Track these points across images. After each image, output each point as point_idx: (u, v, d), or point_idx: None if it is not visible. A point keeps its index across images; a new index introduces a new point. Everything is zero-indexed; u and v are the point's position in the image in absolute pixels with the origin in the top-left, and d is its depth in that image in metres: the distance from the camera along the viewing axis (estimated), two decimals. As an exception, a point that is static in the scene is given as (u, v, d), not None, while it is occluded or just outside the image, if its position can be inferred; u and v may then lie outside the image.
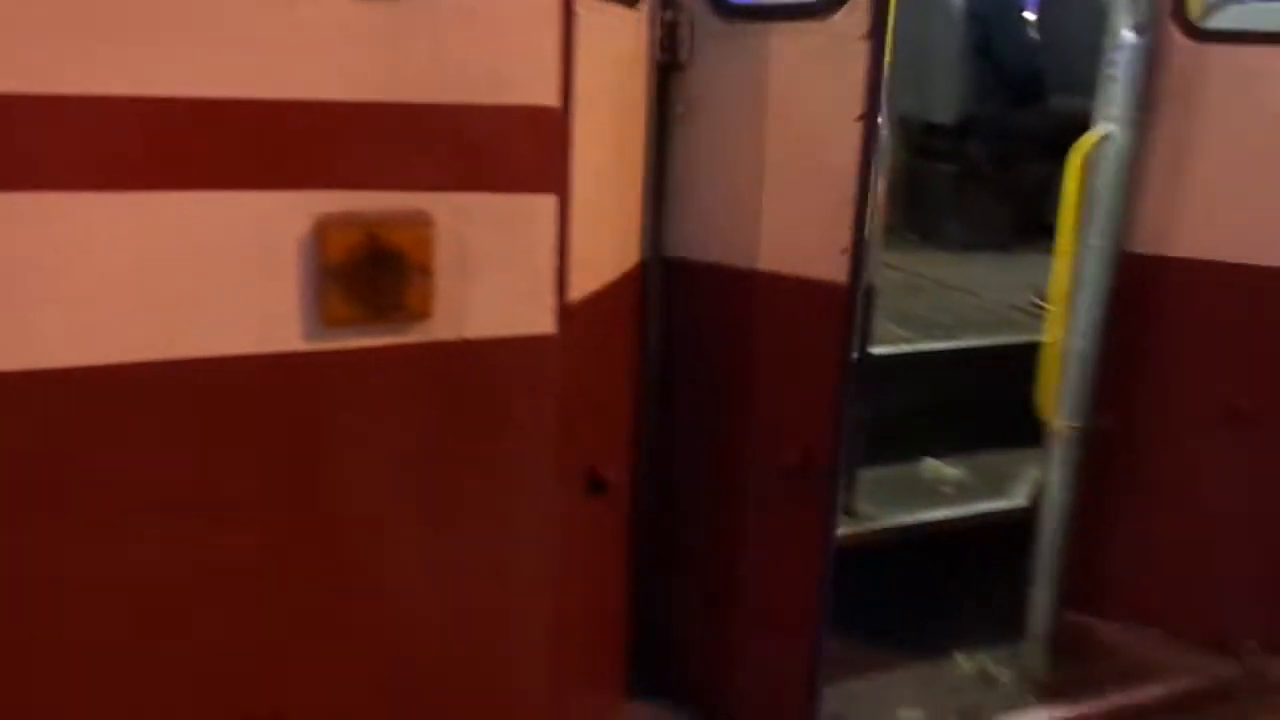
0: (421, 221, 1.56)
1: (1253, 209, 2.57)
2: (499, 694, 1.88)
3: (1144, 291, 2.67)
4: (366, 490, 1.66)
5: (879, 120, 2.04)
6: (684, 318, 2.30)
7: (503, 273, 1.65)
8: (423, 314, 1.60)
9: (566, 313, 1.73)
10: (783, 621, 2.34)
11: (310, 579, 1.66)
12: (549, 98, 1.62)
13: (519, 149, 1.61)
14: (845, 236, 2.06)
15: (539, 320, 1.70)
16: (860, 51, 1.98)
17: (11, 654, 1.50)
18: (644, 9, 2.08)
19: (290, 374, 1.55)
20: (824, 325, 2.13)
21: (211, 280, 1.48)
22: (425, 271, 1.57)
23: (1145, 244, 2.65)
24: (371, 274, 1.53)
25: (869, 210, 2.06)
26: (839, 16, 2.00)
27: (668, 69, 2.15)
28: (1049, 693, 2.76)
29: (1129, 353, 2.71)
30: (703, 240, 2.23)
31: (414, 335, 1.61)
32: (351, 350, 1.58)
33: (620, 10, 1.97)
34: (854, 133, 2.01)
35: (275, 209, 1.49)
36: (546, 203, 1.66)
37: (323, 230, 1.50)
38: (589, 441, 1.99)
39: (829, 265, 2.09)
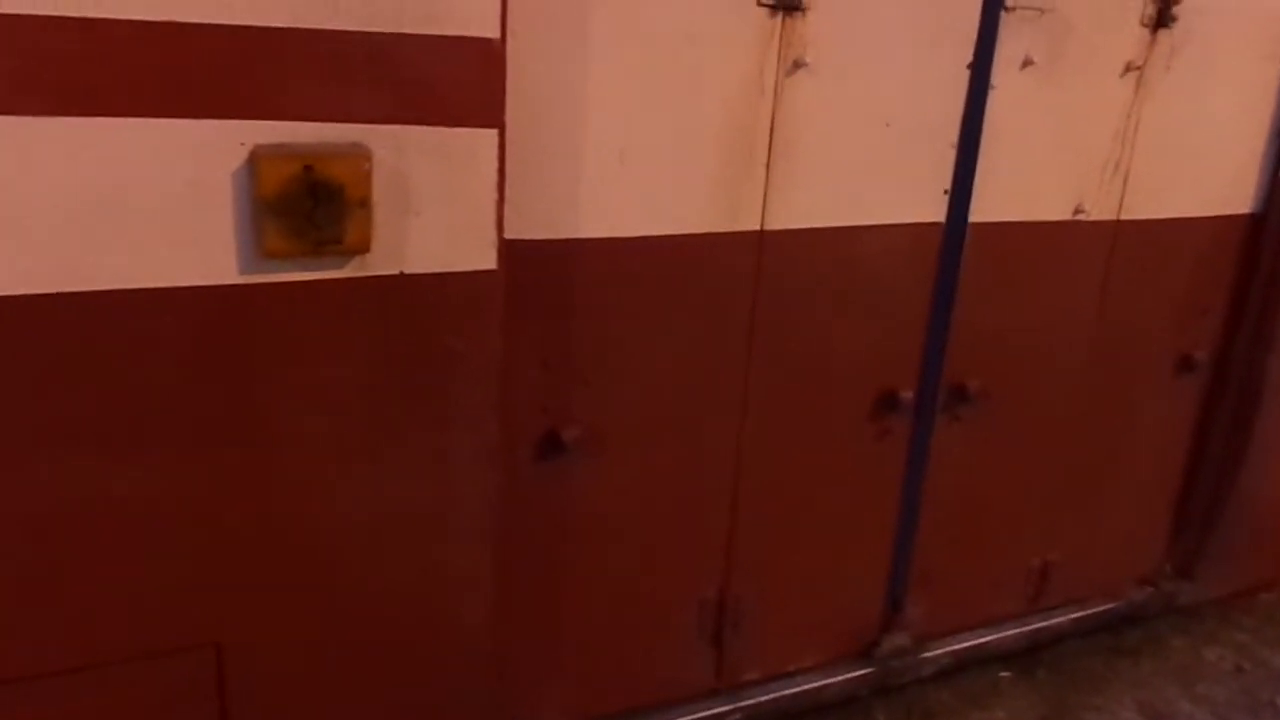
0: (360, 154, 1.54)
1: None
2: (436, 628, 1.90)
3: None
4: (302, 423, 1.65)
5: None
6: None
7: (443, 207, 1.64)
8: (361, 248, 1.59)
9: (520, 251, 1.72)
10: None
11: (245, 511, 1.66)
12: (488, 29, 1.59)
13: (459, 81, 1.59)
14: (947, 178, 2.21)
15: (480, 256, 1.70)
16: (975, 2, 2.10)
17: None
18: None
19: (226, 307, 1.53)
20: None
21: (141, 211, 1.45)
22: (364, 205, 1.56)
23: None
24: (309, 207, 1.52)
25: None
26: None
27: (781, 13, 1.97)
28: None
29: None
30: (803, 208, 2.14)
31: (352, 269, 1.60)
32: (288, 283, 1.56)
33: None
34: (963, 79, 2.14)
35: (207, 139, 1.46)
36: (487, 137, 1.64)
37: (257, 161, 1.47)
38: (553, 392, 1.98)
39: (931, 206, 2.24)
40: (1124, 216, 2.57)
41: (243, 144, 1.47)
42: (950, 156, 2.26)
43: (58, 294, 1.44)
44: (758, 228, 2.09)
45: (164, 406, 1.56)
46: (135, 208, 1.45)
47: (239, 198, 1.49)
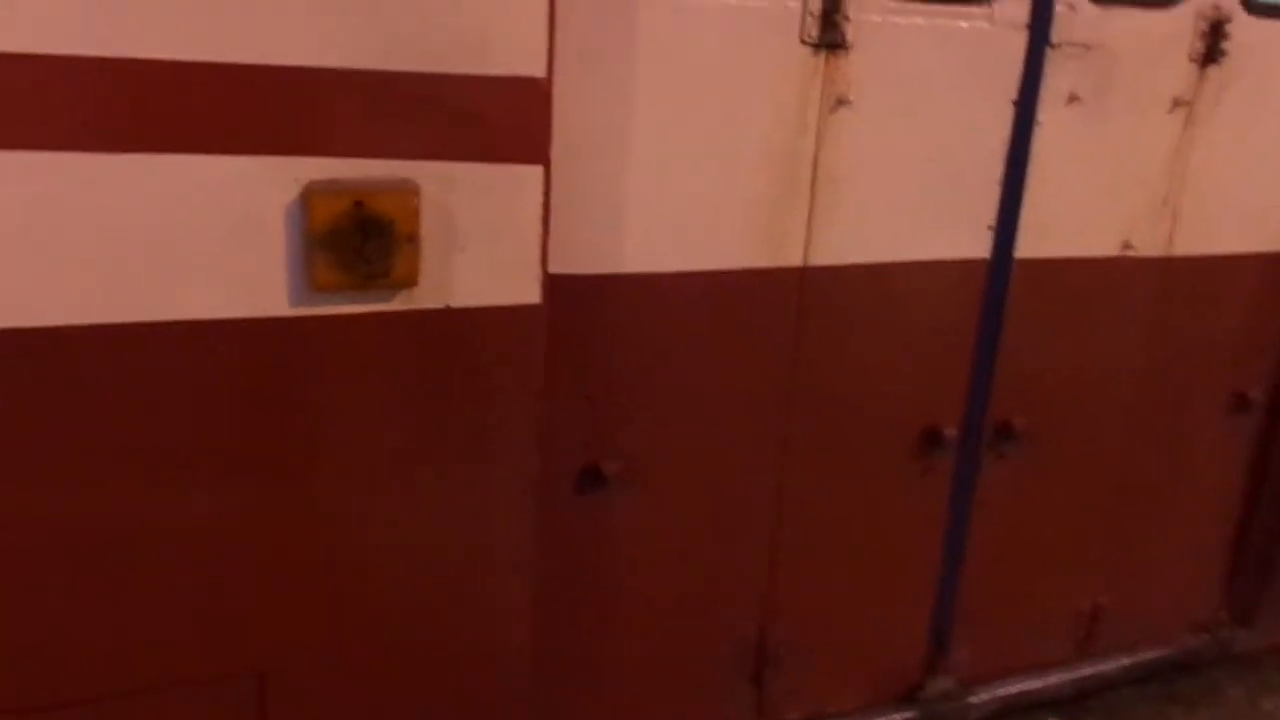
0: (409, 190, 1.57)
1: None
2: (474, 658, 1.90)
3: None
4: (348, 454, 1.68)
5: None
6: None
7: (489, 242, 1.67)
8: (409, 282, 1.61)
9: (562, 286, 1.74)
10: None
11: (290, 540, 1.68)
12: (535, 68, 1.62)
13: (506, 119, 1.62)
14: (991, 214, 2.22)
15: (524, 291, 1.72)
16: (1020, 40, 2.09)
17: None
18: None
19: (276, 338, 1.56)
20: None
21: (196, 244, 1.49)
22: (412, 239, 1.58)
23: None
24: (358, 241, 1.55)
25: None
26: (1001, 4, 2.07)
27: (824, 51, 1.98)
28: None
29: None
30: (845, 244, 2.14)
31: (399, 303, 1.62)
32: (337, 316, 1.59)
33: None
34: (1008, 115, 2.14)
35: (260, 175, 1.50)
36: (533, 174, 1.67)
37: (310, 197, 1.51)
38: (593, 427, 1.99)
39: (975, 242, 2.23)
40: (1174, 253, 2.53)
41: (296, 180, 1.51)
42: (995, 192, 2.25)
43: (115, 325, 1.48)
44: (800, 264, 2.09)
45: (213, 436, 1.59)
46: (191, 241, 1.49)
47: (291, 232, 1.53)
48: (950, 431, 2.38)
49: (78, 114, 1.39)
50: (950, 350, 2.35)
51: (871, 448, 2.34)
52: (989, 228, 2.27)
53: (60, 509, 1.53)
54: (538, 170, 1.67)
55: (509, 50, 1.60)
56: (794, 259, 2.09)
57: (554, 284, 1.76)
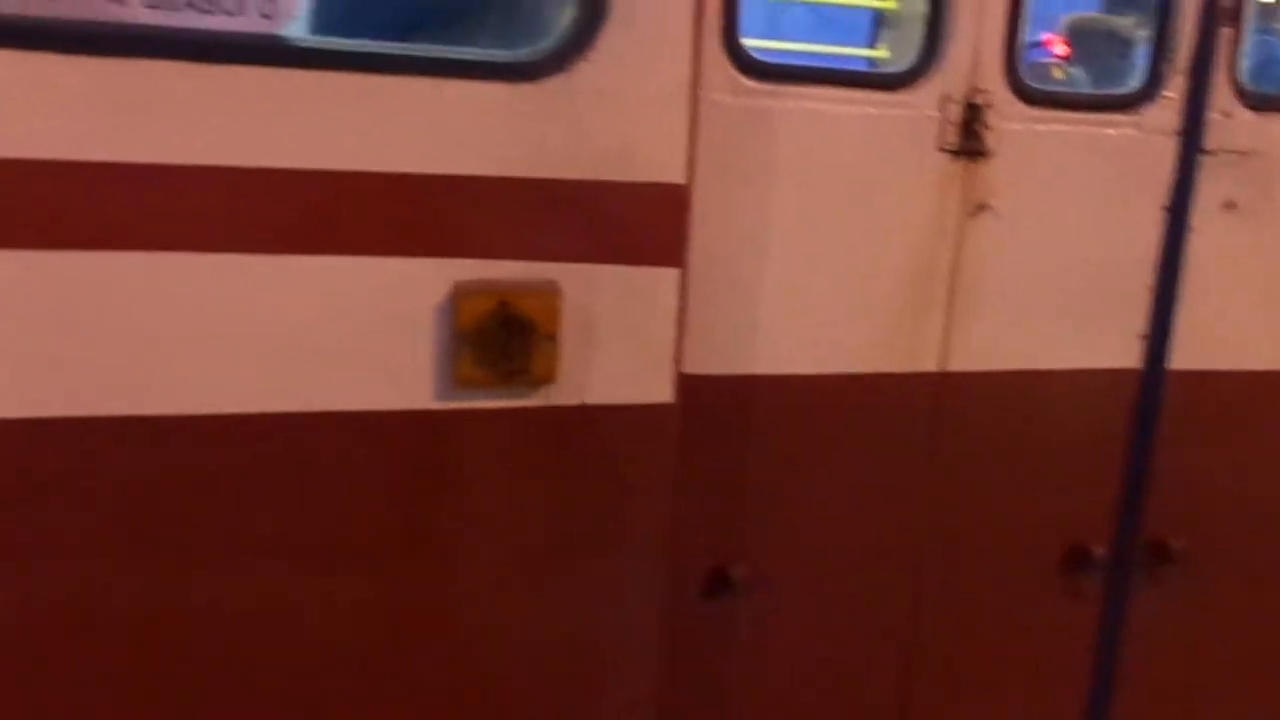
0: (551, 290, 1.63)
1: None
2: None
3: None
4: (481, 544, 1.71)
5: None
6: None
7: (625, 342, 1.70)
8: (547, 379, 1.65)
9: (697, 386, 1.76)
10: None
11: (424, 625, 1.71)
12: (675, 175, 1.68)
13: (645, 223, 1.67)
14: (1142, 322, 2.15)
15: (658, 390, 1.74)
16: (1170, 147, 2.06)
17: (139, 678, 1.59)
18: (920, 93, 1.92)
19: (420, 431, 1.63)
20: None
21: (350, 339, 1.58)
22: (552, 338, 1.63)
23: None
24: (501, 339, 1.60)
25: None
26: (1150, 111, 2.05)
27: (964, 158, 1.97)
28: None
29: None
30: (986, 350, 2.10)
31: (537, 399, 1.67)
32: (478, 411, 1.64)
33: (863, 95, 1.92)
34: (1158, 221, 2.09)
35: (414, 275, 1.58)
36: (669, 276, 1.71)
37: (458, 296, 1.58)
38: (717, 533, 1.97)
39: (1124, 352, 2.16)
40: None
41: (446, 280, 1.59)
42: (1145, 300, 2.16)
43: (269, 414, 1.56)
44: (937, 369, 2.05)
45: (356, 522, 1.65)
46: (347, 336, 1.58)
47: (439, 329, 1.60)
48: (1099, 550, 2.25)
49: (252, 219, 1.50)
50: (1098, 464, 2.23)
51: (1013, 563, 2.22)
52: (1140, 337, 2.18)
53: (208, 585, 1.60)
54: (674, 273, 1.71)
55: (651, 158, 1.66)
56: (930, 364, 2.05)
57: (687, 384, 1.77)
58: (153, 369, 1.50)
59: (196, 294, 1.49)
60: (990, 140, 1.97)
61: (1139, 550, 2.30)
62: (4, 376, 1.42)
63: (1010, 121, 1.98)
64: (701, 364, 1.84)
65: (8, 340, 1.41)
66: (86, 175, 1.40)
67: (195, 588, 1.58)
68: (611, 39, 1.59)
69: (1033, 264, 2.07)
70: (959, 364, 2.06)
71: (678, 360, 1.74)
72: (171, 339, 1.49)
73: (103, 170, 1.40)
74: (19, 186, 1.36)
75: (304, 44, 1.50)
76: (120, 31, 1.40)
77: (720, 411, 1.91)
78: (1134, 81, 2.15)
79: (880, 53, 2.68)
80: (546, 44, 1.61)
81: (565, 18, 1.60)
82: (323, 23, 1.67)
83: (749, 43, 1.84)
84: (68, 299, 1.43)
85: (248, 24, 1.45)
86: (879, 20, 3.06)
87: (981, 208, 2.00)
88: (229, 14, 1.44)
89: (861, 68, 3.24)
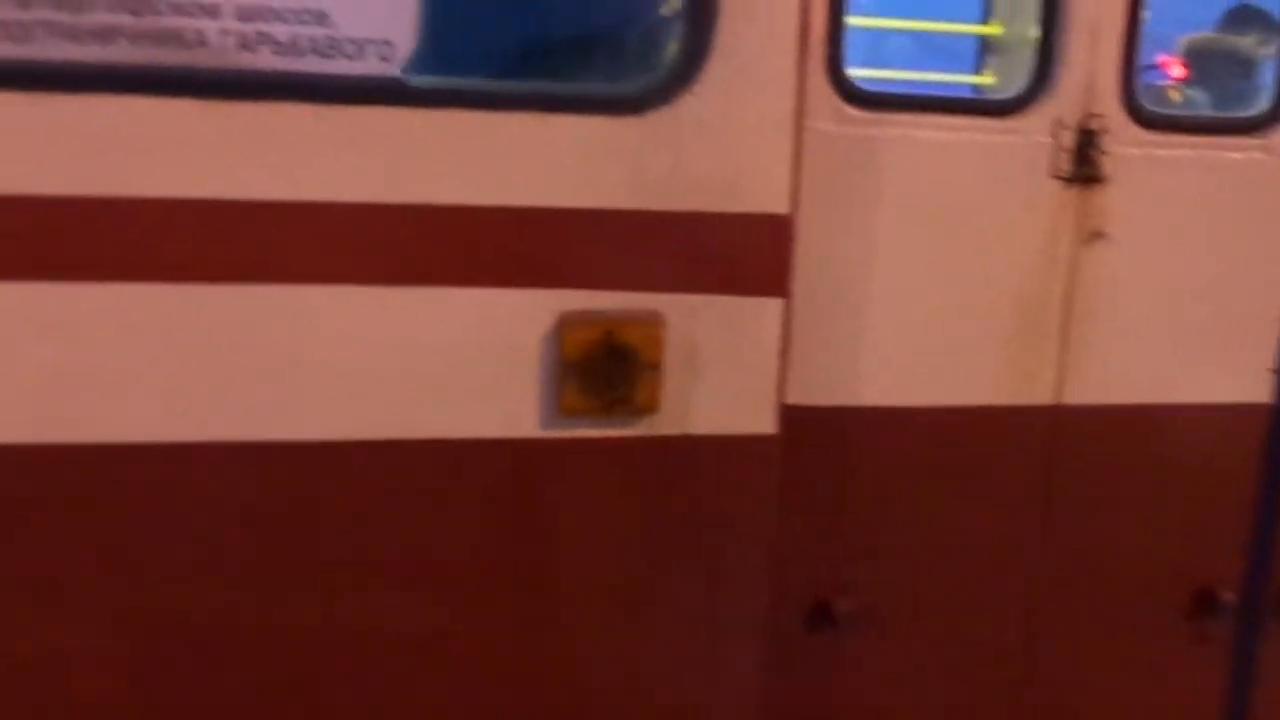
0: (655, 320, 1.64)
1: None
2: None
3: None
4: (584, 572, 1.72)
5: None
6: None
7: (727, 372, 1.70)
8: (650, 409, 1.66)
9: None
10: None
11: (521, 651, 1.72)
12: (779, 206, 1.67)
13: (749, 253, 1.67)
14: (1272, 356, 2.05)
15: (760, 421, 1.73)
16: None
17: (259, 695, 1.64)
18: (1031, 119, 1.88)
19: (526, 458, 1.65)
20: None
21: (464, 368, 1.62)
22: (655, 368, 1.64)
23: None
24: (605, 369, 1.62)
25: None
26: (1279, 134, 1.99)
27: (1078, 185, 1.92)
28: None
29: None
30: (1103, 383, 2.03)
31: (641, 428, 1.68)
32: (581, 439, 1.66)
33: (971, 122, 1.90)
34: None
35: (522, 305, 1.61)
36: (773, 306, 1.70)
37: (564, 327, 1.61)
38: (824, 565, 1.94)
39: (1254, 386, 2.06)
40: None
41: (552, 310, 1.61)
42: (1275, 332, 2.05)
43: (383, 440, 1.61)
44: (1051, 402, 1.98)
45: (461, 547, 1.68)
46: (455, 365, 1.62)
47: (545, 359, 1.62)
48: (1228, 595, 2.13)
49: (371, 252, 1.56)
50: (1227, 504, 2.12)
51: (1134, 606, 2.12)
52: (1271, 370, 2.07)
53: (320, 611, 1.65)
54: (778, 303, 1.70)
55: (755, 188, 1.66)
56: (1043, 397, 1.99)
57: (790, 414, 1.76)
58: (276, 396, 1.56)
59: (318, 324, 1.55)
60: (1106, 166, 1.91)
61: (1270, 595, 2.18)
62: (151, 402, 1.51)
63: (1127, 146, 1.92)
64: (805, 394, 1.83)
65: (155, 367, 1.50)
66: (221, 213, 1.48)
67: (309, 607, 1.63)
68: (715, 71, 1.61)
69: (1153, 293, 2.00)
70: (1075, 397, 1.99)
71: (781, 391, 1.73)
72: (294, 367, 1.56)
73: (234, 208, 1.48)
74: (163, 224, 1.45)
75: (419, 84, 1.56)
76: (252, 78, 1.48)
77: (824, 443, 1.88)
78: (1261, 103, 2.06)
79: (986, 79, 2.63)
80: (651, 78, 1.64)
81: (670, 52, 1.63)
82: (435, 63, 1.73)
83: (852, 71, 1.84)
84: (205, 330, 1.51)
85: (367, 67, 1.52)
86: (984, 46, 3.01)
87: (1097, 235, 1.94)
88: (349, 58, 1.51)
89: (967, 94, 3.19)
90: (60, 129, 1.41)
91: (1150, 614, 2.14)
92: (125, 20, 1.41)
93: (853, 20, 1.88)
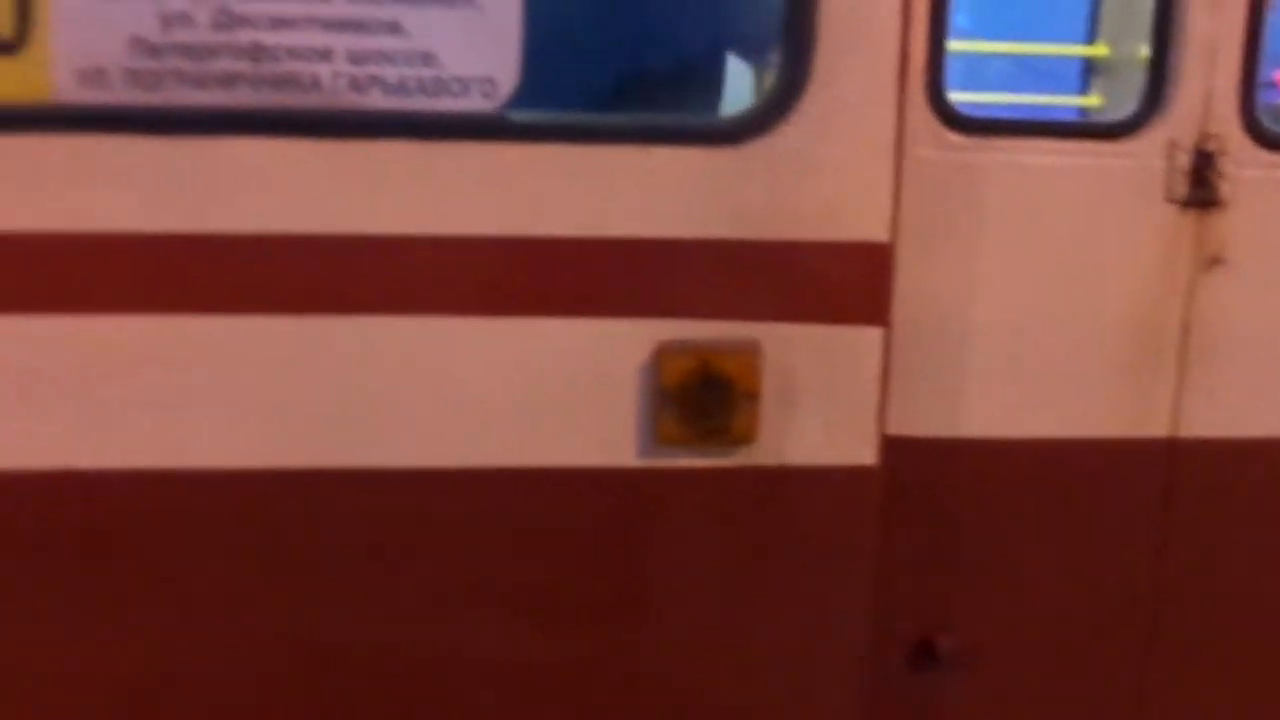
0: (751, 350, 1.63)
1: None
2: None
3: None
4: (682, 603, 1.71)
5: None
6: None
7: (826, 402, 1.68)
8: (747, 439, 1.65)
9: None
10: None
11: (619, 684, 1.72)
12: (879, 233, 1.65)
13: (848, 282, 1.65)
14: None
15: (860, 452, 1.70)
16: None
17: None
18: (1143, 141, 1.82)
19: (623, 488, 1.66)
20: None
21: (558, 398, 1.64)
22: (752, 398, 1.63)
23: None
24: (702, 398, 1.62)
25: None
26: None
27: (1194, 209, 1.85)
28: None
29: None
30: (1226, 415, 1.93)
31: (737, 459, 1.66)
32: (678, 469, 1.66)
33: (1078, 146, 1.85)
34: None
35: (619, 335, 1.63)
36: (872, 335, 1.67)
37: (661, 356, 1.61)
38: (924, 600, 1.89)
39: None
40: None
41: (649, 340, 1.62)
42: None
43: (480, 469, 1.64)
44: (1167, 434, 1.90)
45: (556, 577, 1.69)
46: (554, 395, 1.64)
47: (642, 388, 1.63)
48: None
49: (474, 284, 1.60)
50: None
51: (1261, 654, 2.00)
52: None
53: (423, 637, 1.68)
54: (878, 332, 1.67)
55: (853, 216, 1.65)
56: (1159, 429, 1.90)
57: (890, 446, 1.73)
58: (376, 423, 1.60)
59: (426, 354, 1.59)
60: (1224, 189, 1.83)
61: None
62: (250, 428, 1.57)
63: (1247, 168, 1.83)
64: (907, 425, 1.79)
65: (255, 394, 1.57)
66: (336, 247, 1.54)
67: (402, 635, 1.66)
68: (813, 100, 1.60)
69: (1275, 321, 1.89)
70: (1193, 429, 1.90)
71: (881, 421, 1.70)
72: (397, 396, 1.60)
73: (347, 242, 1.54)
74: (274, 258, 1.52)
75: (521, 119, 1.60)
76: (363, 118, 1.54)
77: (927, 475, 1.84)
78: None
79: (1093, 100, 2.57)
80: (749, 108, 1.64)
81: (767, 82, 1.63)
82: (536, 97, 1.77)
83: (953, 96, 1.81)
84: (323, 360, 1.57)
85: (470, 104, 1.56)
86: (1089, 67, 2.93)
87: (1215, 261, 1.85)
88: (454, 95, 1.56)
89: (1072, 117, 3.11)
90: (188, 170, 1.50)
91: (1273, 653, 2.01)
92: (245, 67, 1.49)
93: (953, 45, 1.86)
